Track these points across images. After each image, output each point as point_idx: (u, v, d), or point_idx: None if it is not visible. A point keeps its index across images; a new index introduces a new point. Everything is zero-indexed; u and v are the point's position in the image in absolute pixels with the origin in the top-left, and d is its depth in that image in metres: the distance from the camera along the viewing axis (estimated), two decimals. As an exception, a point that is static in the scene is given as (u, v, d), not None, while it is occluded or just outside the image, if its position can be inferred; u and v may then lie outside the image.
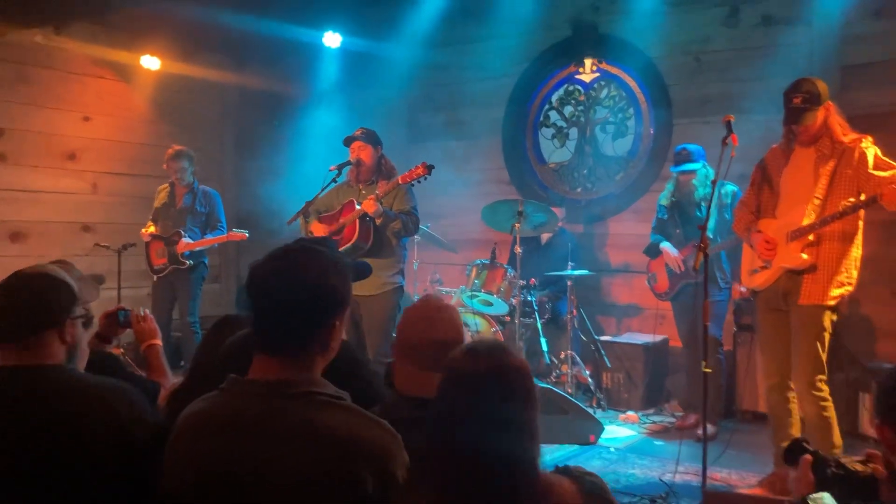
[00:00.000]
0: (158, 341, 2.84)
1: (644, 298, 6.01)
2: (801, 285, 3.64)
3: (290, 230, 4.99)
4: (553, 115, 6.96)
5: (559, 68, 6.89)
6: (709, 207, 3.75)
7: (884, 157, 3.56)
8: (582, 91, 6.81)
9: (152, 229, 5.92)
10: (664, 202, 5.30)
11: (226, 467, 1.54)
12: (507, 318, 5.81)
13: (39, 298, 1.88)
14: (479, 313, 5.73)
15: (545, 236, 6.20)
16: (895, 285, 5.07)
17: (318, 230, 4.77)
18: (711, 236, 4.96)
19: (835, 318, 3.66)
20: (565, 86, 6.90)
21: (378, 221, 4.58)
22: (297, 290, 1.60)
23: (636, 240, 5.79)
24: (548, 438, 4.90)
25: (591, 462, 4.44)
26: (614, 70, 6.62)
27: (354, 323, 4.74)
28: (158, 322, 4.81)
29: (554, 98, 6.95)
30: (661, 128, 6.33)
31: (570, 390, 5.47)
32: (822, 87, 3.61)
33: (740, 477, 4.15)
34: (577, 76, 6.82)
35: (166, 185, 6.01)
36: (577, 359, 5.71)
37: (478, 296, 5.70)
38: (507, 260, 6.06)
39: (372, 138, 4.75)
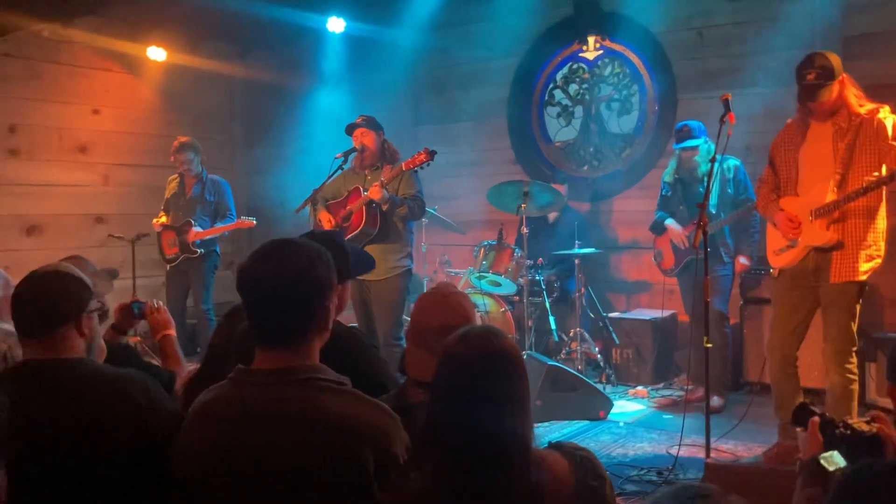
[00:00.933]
0: (172, 331, 2.93)
1: (653, 274, 6.04)
2: (832, 262, 3.64)
3: (297, 217, 5.07)
4: (558, 93, 6.98)
5: (563, 47, 6.89)
6: (708, 184, 3.74)
7: None
8: (586, 69, 6.82)
9: (164, 219, 6.01)
10: (668, 179, 5.33)
11: (233, 452, 1.63)
12: (516, 298, 5.88)
13: (55, 296, 1.97)
14: (487, 294, 5.80)
15: (552, 215, 6.24)
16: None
17: (326, 217, 4.85)
18: (715, 211, 5.00)
19: (866, 289, 3.69)
20: (569, 64, 6.90)
21: (384, 207, 4.64)
22: (285, 283, 1.68)
23: (643, 216, 5.82)
24: (558, 415, 5.03)
25: (600, 437, 4.51)
26: (617, 47, 6.62)
27: (364, 307, 4.83)
28: (173, 310, 4.93)
29: (558, 77, 6.96)
30: (665, 104, 6.34)
31: (579, 367, 5.54)
32: (835, 60, 3.56)
33: (747, 448, 4.21)
34: (580, 54, 6.82)
35: (176, 175, 6.09)
36: (587, 336, 5.77)
37: (486, 276, 5.77)
38: (514, 240, 6.11)
39: (373, 124, 4.81)
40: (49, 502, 1.81)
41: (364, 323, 4.88)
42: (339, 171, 4.86)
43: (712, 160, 3.77)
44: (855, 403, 3.66)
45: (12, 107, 6.16)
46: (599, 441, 4.44)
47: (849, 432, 1.89)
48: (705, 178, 4.95)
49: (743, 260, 5.12)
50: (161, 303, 2.98)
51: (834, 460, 1.80)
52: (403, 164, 4.62)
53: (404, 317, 4.82)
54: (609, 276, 6.61)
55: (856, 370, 3.66)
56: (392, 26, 6.90)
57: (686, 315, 5.44)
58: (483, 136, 7.22)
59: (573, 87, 6.89)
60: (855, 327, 3.66)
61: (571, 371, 5.05)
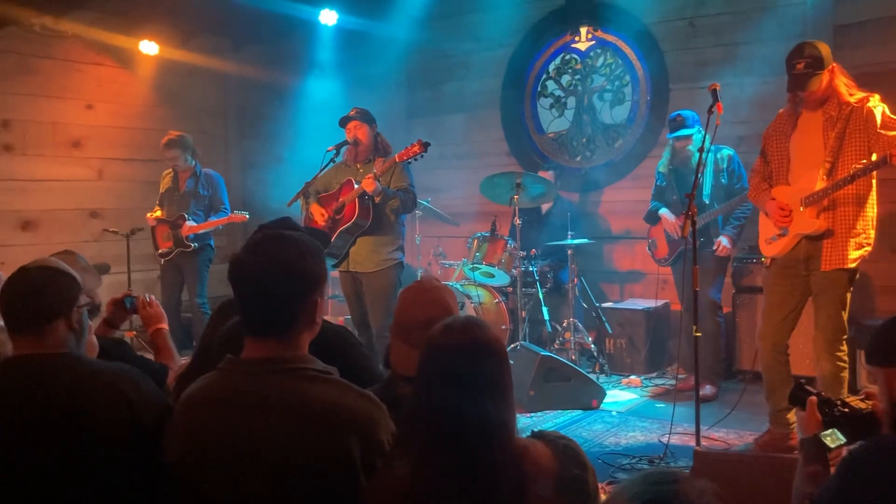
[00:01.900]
0: (165, 325, 2.94)
1: (646, 264, 6.07)
2: (822, 251, 3.66)
3: (289, 211, 5.06)
4: (550, 84, 6.99)
5: (555, 38, 6.89)
6: (697, 174, 3.73)
7: (891, 115, 3.55)
8: (578, 60, 6.82)
9: (158, 213, 6.01)
10: (662, 169, 5.35)
11: (222, 439, 1.67)
12: (510, 289, 5.90)
13: (44, 291, 1.98)
14: (481, 285, 5.82)
15: (545, 206, 6.26)
16: (894, 242, 5.10)
17: (318, 211, 4.87)
18: (708, 202, 5.01)
19: (857, 277, 3.72)
20: (561, 55, 6.91)
21: (377, 199, 4.66)
22: (275, 275, 1.72)
23: (636, 206, 5.84)
24: (551, 405, 5.05)
25: (593, 426, 4.54)
26: (610, 38, 6.62)
27: (357, 299, 4.85)
28: (168, 304, 4.91)
29: (551, 68, 6.97)
30: (657, 94, 6.34)
31: (573, 357, 5.57)
32: (824, 49, 3.58)
33: (738, 436, 4.24)
34: (573, 45, 6.83)
35: (170, 169, 6.09)
36: (580, 326, 5.80)
37: (479, 268, 5.79)
38: (507, 231, 6.13)
39: (366, 117, 4.82)
40: (38, 496, 1.82)
41: (358, 316, 4.91)
42: (331, 164, 4.88)
43: (700, 150, 3.78)
44: (845, 390, 3.69)
45: (5, 102, 6.16)
46: (592, 430, 4.47)
47: (847, 410, 1.94)
48: (698, 168, 4.99)
49: (724, 241, 5.00)
50: (153, 297, 2.99)
51: (837, 437, 1.87)
52: (396, 156, 4.63)
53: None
54: (602, 267, 6.64)
55: (846, 358, 3.69)
56: (384, 19, 6.90)
57: (680, 304, 5.46)
58: (476, 127, 7.22)
59: (566, 78, 6.90)
60: (846, 315, 3.69)
61: (565, 361, 5.07)
